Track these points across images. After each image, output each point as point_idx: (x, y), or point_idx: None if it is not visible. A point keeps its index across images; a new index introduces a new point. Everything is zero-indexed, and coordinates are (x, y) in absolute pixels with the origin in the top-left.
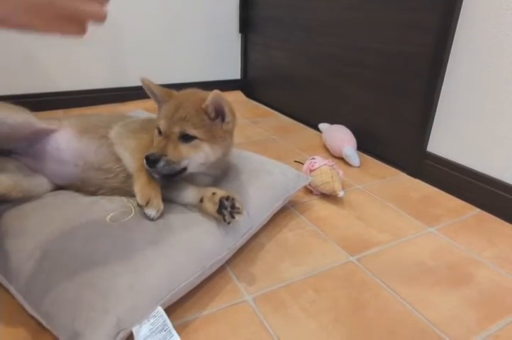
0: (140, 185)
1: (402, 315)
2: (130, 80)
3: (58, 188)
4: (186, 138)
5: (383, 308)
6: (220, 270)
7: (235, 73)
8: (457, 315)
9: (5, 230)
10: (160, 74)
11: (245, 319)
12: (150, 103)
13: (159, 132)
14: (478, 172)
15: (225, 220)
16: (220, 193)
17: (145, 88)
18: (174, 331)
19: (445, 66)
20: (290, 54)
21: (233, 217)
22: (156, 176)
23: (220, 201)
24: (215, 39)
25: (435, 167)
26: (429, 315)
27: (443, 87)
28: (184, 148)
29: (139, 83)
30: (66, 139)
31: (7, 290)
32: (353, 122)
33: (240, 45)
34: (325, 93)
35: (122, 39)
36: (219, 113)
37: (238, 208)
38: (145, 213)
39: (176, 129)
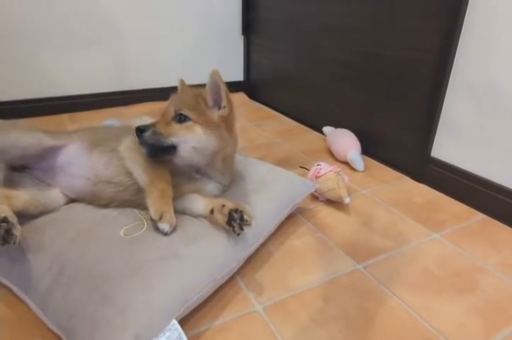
0: (153, 200)
1: (409, 324)
2: (134, 83)
3: (71, 200)
4: (180, 118)
5: (390, 317)
6: (229, 280)
7: (237, 74)
8: (463, 324)
9: (22, 244)
10: (163, 76)
11: (257, 329)
12: (154, 106)
13: None
14: (482, 178)
15: (234, 232)
16: (230, 205)
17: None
18: None
19: (449, 71)
20: (293, 57)
21: (242, 229)
22: (143, 150)
23: (230, 213)
24: (218, 41)
25: (439, 172)
26: (435, 324)
27: (447, 92)
28: (176, 126)
29: (142, 87)
30: (77, 153)
31: (25, 303)
32: (357, 125)
33: (242, 47)
34: (329, 97)
35: (125, 43)
36: (216, 96)
37: (247, 220)
38: (158, 228)
39: (172, 109)
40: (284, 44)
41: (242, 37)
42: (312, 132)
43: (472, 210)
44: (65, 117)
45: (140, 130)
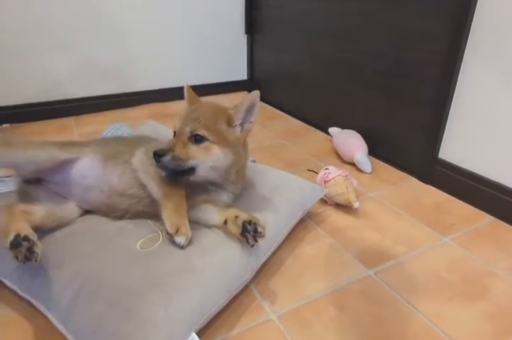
0: (168, 214)
1: (422, 331)
2: (138, 85)
3: (86, 212)
4: (196, 139)
5: (403, 324)
6: (244, 289)
7: (241, 74)
8: (474, 330)
9: (41, 260)
10: (167, 77)
11: (272, 338)
12: (157, 107)
13: (174, 135)
14: (489, 179)
15: (248, 243)
16: (243, 216)
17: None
18: None
19: (457, 73)
20: (297, 56)
21: (256, 241)
22: (163, 173)
23: (243, 225)
24: (221, 40)
25: (446, 173)
26: (448, 330)
27: (455, 93)
28: (194, 148)
29: (146, 88)
30: (90, 166)
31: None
32: (364, 126)
33: (246, 46)
34: (335, 97)
35: (128, 44)
36: (248, 115)
37: (261, 232)
38: (174, 241)
39: (187, 129)
40: (288, 43)
41: (246, 36)
42: (317, 132)
43: (480, 212)
44: (71, 120)
45: (159, 155)
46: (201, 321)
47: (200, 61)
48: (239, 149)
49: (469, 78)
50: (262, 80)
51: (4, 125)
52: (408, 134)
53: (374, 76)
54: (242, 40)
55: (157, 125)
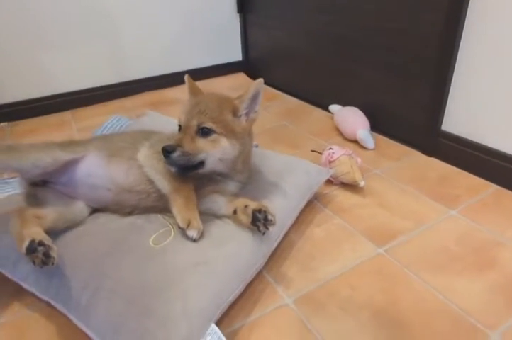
0: (178, 208)
1: (435, 306)
2: (132, 73)
3: (95, 210)
4: (204, 132)
5: (416, 300)
6: (257, 275)
7: (236, 54)
8: (486, 301)
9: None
10: (161, 64)
11: (289, 322)
12: (154, 95)
13: (180, 129)
14: (493, 149)
15: (260, 231)
16: (252, 205)
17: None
18: None
19: (458, 43)
20: (292, 34)
21: (267, 228)
22: (172, 169)
23: (253, 214)
24: (214, 21)
25: (450, 145)
26: (460, 303)
27: (457, 64)
28: (201, 141)
29: (141, 76)
30: (95, 164)
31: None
32: (364, 102)
33: (239, 26)
34: (333, 73)
35: (118, 32)
36: (253, 104)
37: (271, 220)
38: (187, 235)
39: (194, 122)
40: (282, 21)
41: (238, 15)
42: (317, 110)
43: (485, 182)
44: (68, 114)
45: (168, 151)
46: (219, 312)
47: (193, 44)
48: (245, 138)
49: (471, 48)
50: (258, 60)
51: (1, 124)
52: (410, 108)
53: (370, 51)
54: (234, 20)
55: (157, 115)
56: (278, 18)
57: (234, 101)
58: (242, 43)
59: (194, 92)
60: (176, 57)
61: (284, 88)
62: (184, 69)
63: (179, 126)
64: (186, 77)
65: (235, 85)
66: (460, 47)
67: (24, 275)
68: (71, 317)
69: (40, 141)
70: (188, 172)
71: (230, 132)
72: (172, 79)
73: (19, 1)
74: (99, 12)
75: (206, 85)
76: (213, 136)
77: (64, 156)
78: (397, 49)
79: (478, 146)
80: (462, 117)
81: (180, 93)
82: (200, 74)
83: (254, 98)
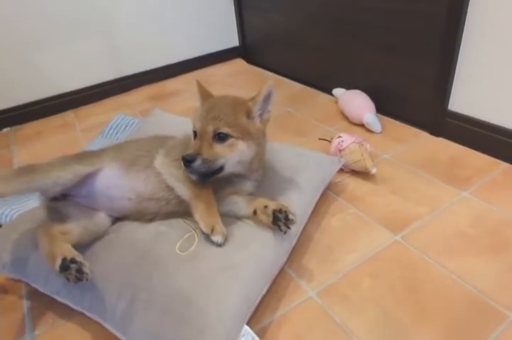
0: (201, 214)
1: (454, 289)
2: (130, 67)
3: (116, 218)
4: (220, 137)
5: (435, 285)
6: (279, 271)
7: (232, 40)
8: (504, 282)
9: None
10: (158, 55)
11: (315, 315)
12: (154, 88)
13: (195, 135)
14: (501, 127)
15: (281, 230)
16: (272, 205)
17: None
18: None
19: (463, 21)
20: (290, 16)
21: (289, 228)
22: (193, 177)
23: (274, 214)
24: (207, 6)
25: (457, 125)
26: (479, 285)
27: (462, 41)
28: (219, 147)
29: (139, 70)
30: (113, 176)
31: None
32: (368, 84)
33: (234, 10)
34: (335, 56)
35: (111, 27)
36: (265, 105)
37: (292, 219)
38: (211, 240)
39: (210, 129)
40: (278, 2)
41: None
42: (321, 94)
43: (495, 160)
44: (70, 114)
45: (188, 161)
46: (249, 313)
47: (188, 33)
48: (260, 138)
49: (476, 26)
50: (255, 45)
51: (5, 129)
52: (416, 88)
53: (371, 31)
54: (229, 4)
55: (164, 114)
56: (273, 1)
57: (247, 103)
58: (238, 28)
59: (205, 96)
60: (172, 48)
61: (284, 73)
62: (181, 59)
63: (194, 132)
64: (196, 82)
65: (234, 72)
66: (466, 25)
67: (56, 289)
68: (108, 327)
69: (53, 156)
70: (209, 178)
71: (246, 135)
72: (170, 71)
73: (9, 4)
74: (90, 8)
75: (204, 74)
76: (230, 140)
77: (82, 169)
78: (400, 29)
79: (485, 124)
80: (469, 96)
81: (179, 84)
82: (197, 63)
83: (267, 99)
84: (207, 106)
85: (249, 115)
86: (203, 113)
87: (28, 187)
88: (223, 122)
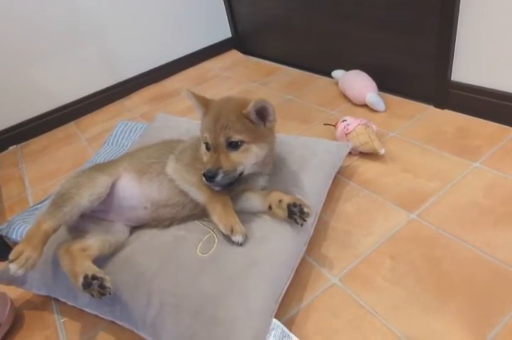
0: (218, 216)
1: (475, 262)
2: (125, 72)
3: (134, 227)
4: (234, 145)
5: (456, 259)
6: (300, 261)
7: (225, 31)
8: None
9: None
10: (151, 56)
11: (340, 301)
12: (153, 89)
13: (207, 147)
14: (507, 92)
15: (297, 223)
16: (286, 199)
17: (191, 101)
18: (292, 334)
19: None
20: (279, 0)
21: (305, 220)
22: (217, 189)
23: (289, 208)
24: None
25: (462, 95)
26: (499, 256)
27: (460, 11)
28: (235, 155)
29: (135, 73)
30: (127, 186)
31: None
32: (368, 63)
33: (222, 1)
34: (331, 37)
35: (102, 34)
36: (262, 116)
37: (307, 212)
38: (232, 241)
39: (222, 139)
40: None
41: None
42: (320, 78)
43: (503, 127)
44: (72, 126)
45: (211, 177)
46: (276, 306)
47: (179, 29)
48: (270, 136)
49: None
50: (248, 34)
51: (11, 148)
52: (416, 62)
53: (365, 10)
54: None
55: (168, 118)
56: None
57: (244, 111)
58: (228, 18)
59: (205, 104)
60: (166, 47)
61: (281, 60)
62: (174, 57)
63: (206, 144)
64: (187, 93)
65: (230, 64)
66: None
67: (86, 303)
68: (141, 334)
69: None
70: (232, 185)
71: (256, 137)
72: (167, 70)
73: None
74: (78, 17)
75: (200, 69)
76: (244, 146)
77: (108, 180)
78: (393, 6)
79: (490, 92)
80: (471, 64)
81: (178, 82)
82: (193, 59)
83: (260, 112)
84: (212, 116)
85: (251, 120)
86: (211, 125)
87: (70, 215)
88: (232, 130)
